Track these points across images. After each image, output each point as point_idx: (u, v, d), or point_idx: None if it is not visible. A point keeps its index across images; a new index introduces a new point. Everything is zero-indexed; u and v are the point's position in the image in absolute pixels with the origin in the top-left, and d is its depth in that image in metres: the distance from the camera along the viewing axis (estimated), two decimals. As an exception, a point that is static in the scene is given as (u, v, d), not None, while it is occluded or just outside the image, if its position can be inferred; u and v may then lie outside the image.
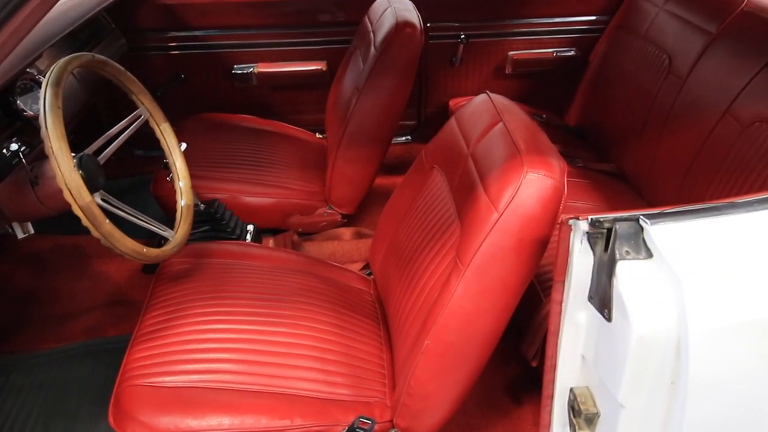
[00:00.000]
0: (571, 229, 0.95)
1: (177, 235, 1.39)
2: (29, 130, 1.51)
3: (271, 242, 2.00)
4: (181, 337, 1.37)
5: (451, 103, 2.61)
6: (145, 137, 1.66)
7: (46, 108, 1.08)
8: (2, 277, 1.94)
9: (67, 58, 1.20)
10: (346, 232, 2.13)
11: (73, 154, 1.25)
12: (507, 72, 2.59)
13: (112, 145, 1.35)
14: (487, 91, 1.45)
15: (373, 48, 1.91)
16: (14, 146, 1.25)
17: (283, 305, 1.48)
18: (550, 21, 2.52)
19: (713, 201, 0.92)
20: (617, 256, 0.91)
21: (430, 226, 1.39)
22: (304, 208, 2.07)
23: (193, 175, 2.02)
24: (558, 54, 2.55)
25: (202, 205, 1.86)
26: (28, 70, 1.51)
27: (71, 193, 1.08)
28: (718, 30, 1.81)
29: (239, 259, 1.65)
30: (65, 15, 1.73)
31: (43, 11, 0.84)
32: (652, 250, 0.90)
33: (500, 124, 1.29)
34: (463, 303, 1.15)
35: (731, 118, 1.63)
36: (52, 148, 1.07)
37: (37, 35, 1.52)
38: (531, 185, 1.10)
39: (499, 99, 1.42)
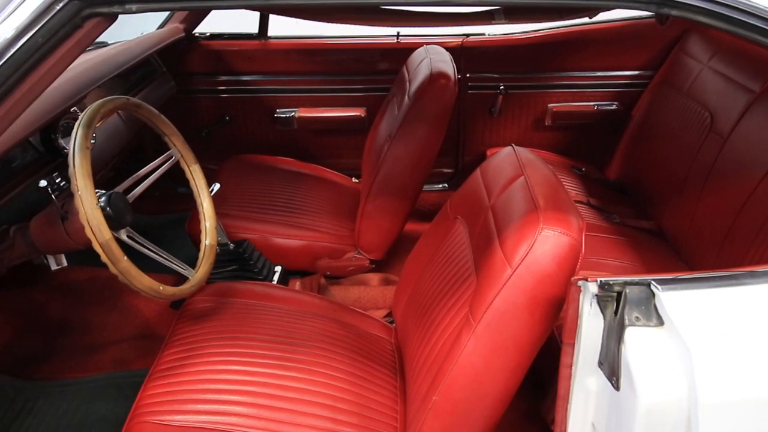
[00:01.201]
0: (580, 291, 0.93)
1: (197, 274, 1.42)
2: (64, 165, 1.59)
3: (297, 284, 2.02)
4: (196, 377, 1.38)
5: (489, 152, 2.60)
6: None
7: (75, 148, 1.14)
8: (37, 306, 2.01)
9: (101, 101, 1.26)
10: (374, 278, 2.13)
11: (103, 191, 1.31)
12: (546, 124, 2.57)
13: (142, 184, 1.40)
14: (513, 145, 1.45)
15: (407, 97, 1.94)
16: (43, 182, 1.31)
17: (299, 350, 1.48)
18: (592, 75, 2.51)
19: (732, 269, 0.88)
20: (626, 321, 0.88)
21: (448, 277, 1.37)
22: (333, 251, 2.08)
23: (226, 215, 2.08)
24: (599, 108, 2.52)
25: (231, 244, 1.90)
26: (74, 109, 1.59)
27: (92, 230, 1.12)
28: (761, 89, 1.76)
29: (262, 300, 1.66)
30: (114, 59, 1.84)
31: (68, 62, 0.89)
32: (664, 317, 0.86)
33: (521, 178, 1.28)
34: (473, 360, 1.13)
35: (773, 180, 1.57)
36: (77, 185, 1.12)
37: (82, 78, 1.62)
38: (546, 242, 1.08)
39: (524, 153, 1.41)
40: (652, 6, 0.87)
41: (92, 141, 1.60)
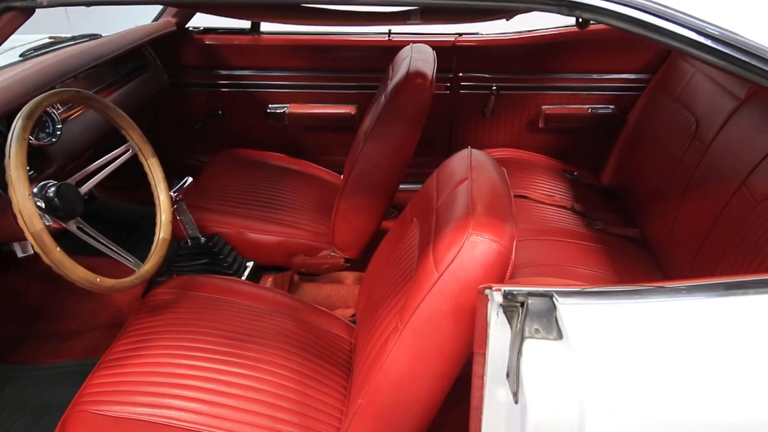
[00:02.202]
0: (487, 300, 0.90)
1: (143, 267, 1.42)
2: (37, 156, 1.61)
3: (269, 280, 2.01)
4: (141, 368, 1.38)
5: (480, 154, 2.56)
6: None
7: (12, 138, 1.15)
8: (15, 291, 2.05)
9: (47, 93, 1.27)
10: (349, 277, 2.12)
11: (54, 182, 1.33)
12: (540, 126, 2.52)
13: (96, 177, 1.41)
14: (470, 147, 1.42)
15: (383, 96, 1.92)
16: None
17: (249, 347, 1.47)
18: (587, 77, 2.44)
19: (640, 284, 0.84)
20: (526, 333, 0.85)
21: (394, 280, 1.35)
22: (309, 249, 2.08)
23: (204, 208, 2.09)
24: (594, 111, 2.46)
25: (202, 238, 1.90)
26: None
27: (23, 220, 1.13)
28: (746, 95, 1.69)
29: (223, 295, 1.67)
30: (94, 51, 1.86)
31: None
32: (563, 331, 0.83)
33: (466, 182, 1.25)
34: (397, 365, 1.11)
35: (746, 191, 1.50)
36: (10, 176, 1.13)
37: (55, 69, 1.65)
38: (473, 248, 1.05)
39: (479, 156, 1.38)
40: (563, 9, 0.84)
41: (58, 132, 1.63)
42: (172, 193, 1.78)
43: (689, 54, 0.84)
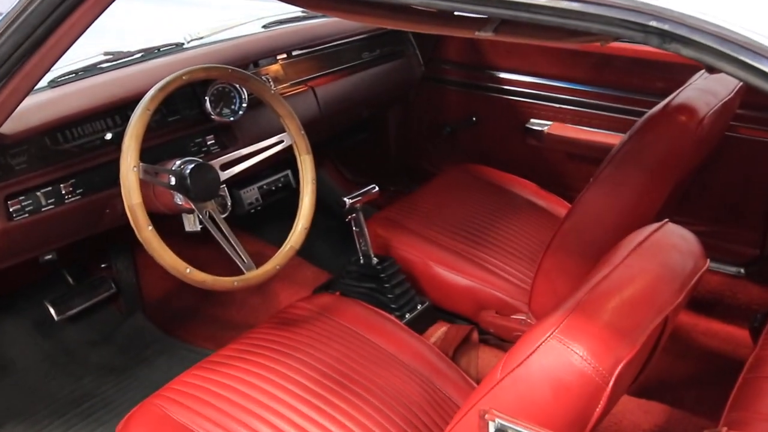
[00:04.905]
0: (487, 426, 0.81)
1: (250, 273, 1.56)
2: (222, 130, 1.91)
3: (442, 330, 2.02)
4: (228, 381, 1.54)
5: (807, 238, 2.15)
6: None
7: (138, 107, 1.39)
8: (197, 267, 2.45)
9: (190, 67, 1.49)
10: (542, 355, 1.99)
11: (195, 159, 1.56)
12: None
13: (243, 164, 1.60)
14: (668, 220, 1.24)
15: (629, 131, 1.76)
16: (109, 135, 1.60)
17: (349, 398, 1.51)
18: None
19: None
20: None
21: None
22: (504, 306, 2.01)
23: (398, 225, 2.20)
24: None
25: (375, 258, 2.00)
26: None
27: (124, 191, 1.36)
28: None
29: (363, 331, 1.73)
30: (312, 31, 2.13)
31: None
32: None
33: (618, 267, 1.10)
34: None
35: None
36: (124, 143, 1.37)
37: (248, 47, 1.94)
38: (549, 354, 0.94)
39: (671, 236, 1.20)
40: (652, 39, 0.67)
41: (241, 111, 1.89)
42: (347, 199, 1.93)
43: None
